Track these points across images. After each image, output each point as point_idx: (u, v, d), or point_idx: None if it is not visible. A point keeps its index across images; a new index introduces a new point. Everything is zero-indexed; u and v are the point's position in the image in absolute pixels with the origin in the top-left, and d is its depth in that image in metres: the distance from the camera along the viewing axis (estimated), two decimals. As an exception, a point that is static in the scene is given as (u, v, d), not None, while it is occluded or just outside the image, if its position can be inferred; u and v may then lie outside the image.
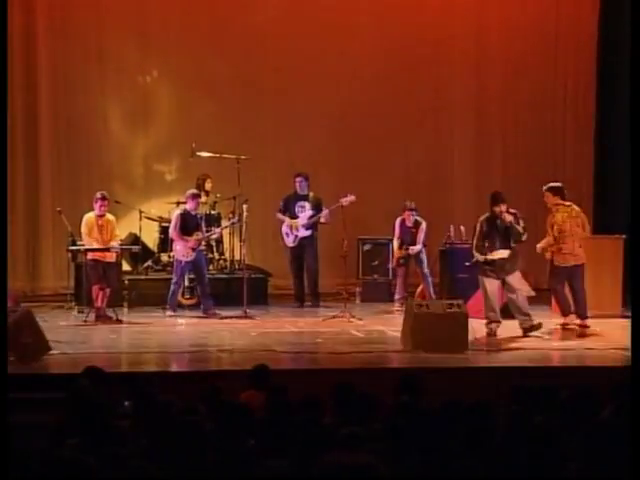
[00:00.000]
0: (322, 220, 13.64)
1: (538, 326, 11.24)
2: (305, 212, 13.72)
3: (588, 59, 16.18)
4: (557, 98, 16.38)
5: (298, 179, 13.80)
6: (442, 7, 15.94)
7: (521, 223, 11.32)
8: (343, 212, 13.01)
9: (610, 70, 15.76)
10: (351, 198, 13.27)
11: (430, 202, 15.13)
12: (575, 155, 16.38)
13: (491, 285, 11.27)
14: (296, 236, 13.73)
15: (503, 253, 11.23)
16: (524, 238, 11.35)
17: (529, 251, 15.30)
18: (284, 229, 13.80)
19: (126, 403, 6.45)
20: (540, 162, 16.14)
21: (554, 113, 16.36)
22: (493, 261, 11.22)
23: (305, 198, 13.78)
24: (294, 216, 13.73)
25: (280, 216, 13.82)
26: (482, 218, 11.38)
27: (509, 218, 11.24)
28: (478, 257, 11.29)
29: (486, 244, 11.28)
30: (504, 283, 11.31)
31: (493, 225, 11.27)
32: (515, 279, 11.37)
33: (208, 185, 14.25)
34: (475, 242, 11.36)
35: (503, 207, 11.28)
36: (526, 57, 16.08)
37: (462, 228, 13.27)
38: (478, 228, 11.33)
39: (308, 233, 13.69)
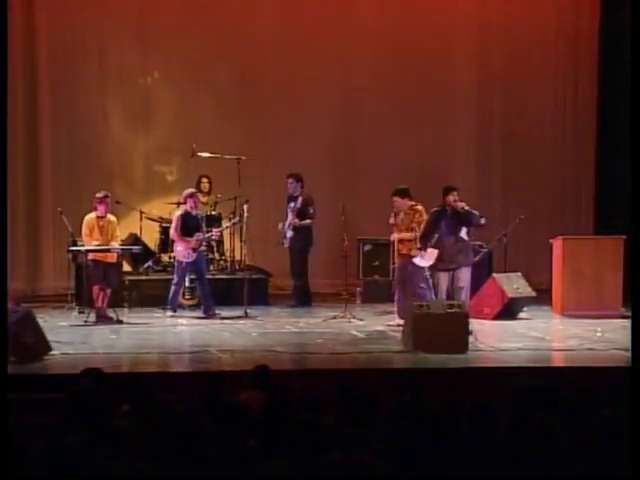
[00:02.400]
0: (292, 222, 13.67)
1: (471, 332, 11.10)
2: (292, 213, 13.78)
3: (589, 58, 16.17)
4: (558, 98, 16.38)
5: (288, 180, 13.85)
6: (444, 7, 15.94)
7: (475, 211, 11.37)
8: (344, 213, 13.01)
9: (611, 69, 15.75)
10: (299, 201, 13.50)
11: (431, 202, 15.09)
12: (576, 155, 16.37)
13: (440, 280, 11.23)
14: (287, 238, 13.80)
15: (433, 253, 11.23)
16: (483, 221, 11.42)
17: (529, 251, 15.39)
18: (280, 231, 13.89)
19: (125, 407, 6.43)
20: (541, 162, 16.16)
21: (555, 113, 16.37)
22: (440, 254, 11.21)
23: (295, 199, 13.80)
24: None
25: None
26: (433, 209, 11.43)
27: (462, 204, 11.26)
28: (413, 252, 11.43)
29: (435, 235, 11.31)
30: (452, 277, 11.27)
31: (442, 216, 11.26)
32: (464, 275, 11.33)
33: (203, 185, 14.26)
34: (421, 232, 11.42)
35: (450, 197, 11.29)
36: (527, 56, 16.08)
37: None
38: (427, 218, 11.37)
39: (291, 234, 13.72)
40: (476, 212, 11.40)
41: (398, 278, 12.14)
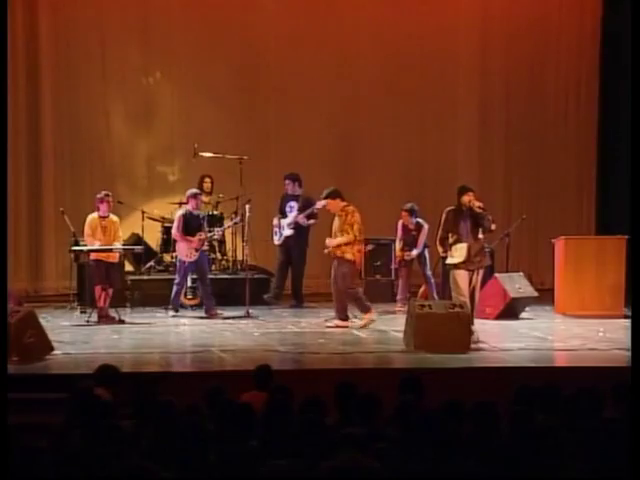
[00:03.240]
0: (300, 221, 13.62)
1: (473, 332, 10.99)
2: (293, 212, 13.73)
3: (591, 58, 16.20)
4: (559, 98, 16.40)
5: (285, 181, 13.83)
6: (445, 7, 15.96)
7: (489, 216, 11.15)
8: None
9: (613, 69, 15.77)
10: (322, 202, 13.20)
11: (432, 202, 15.13)
12: (578, 155, 16.38)
13: (462, 278, 10.97)
14: (282, 235, 13.77)
15: (462, 248, 10.88)
16: (493, 227, 11.14)
17: (531, 251, 15.40)
18: (274, 227, 13.86)
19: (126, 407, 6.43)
20: (543, 162, 16.17)
21: (557, 113, 16.38)
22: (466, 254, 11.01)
23: (295, 198, 13.79)
24: (285, 216, 13.76)
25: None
26: (448, 209, 11.03)
27: (478, 203, 10.97)
28: (448, 261, 11.14)
29: (451, 236, 10.93)
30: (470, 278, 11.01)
31: (459, 216, 10.96)
32: (480, 276, 11.10)
33: (205, 185, 14.27)
34: (440, 234, 11.16)
35: (466, 198, 10.90)
36: (529, 57, 16.11)
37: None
38: (444, 218, 10.98)
39: (291, 233, 13.68)
40: (489, 216, 11.14)
41: (332, 280, 11.99)
